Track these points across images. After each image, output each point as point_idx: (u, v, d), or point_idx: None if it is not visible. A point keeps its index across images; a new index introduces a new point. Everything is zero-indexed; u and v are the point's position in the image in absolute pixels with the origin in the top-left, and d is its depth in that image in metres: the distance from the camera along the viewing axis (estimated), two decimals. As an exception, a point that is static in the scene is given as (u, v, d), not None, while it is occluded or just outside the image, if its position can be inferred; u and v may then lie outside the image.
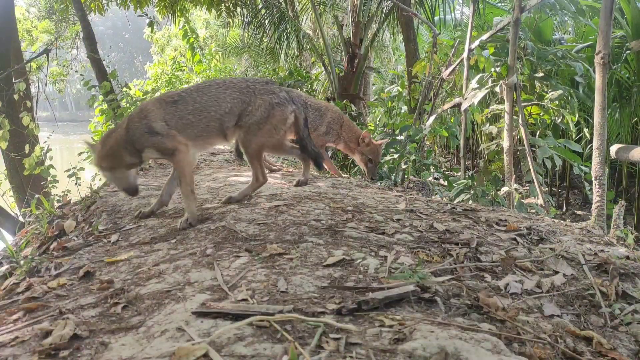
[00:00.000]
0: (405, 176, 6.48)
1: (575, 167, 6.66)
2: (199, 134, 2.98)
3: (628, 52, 8.48)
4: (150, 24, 10.95)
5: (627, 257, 2.32)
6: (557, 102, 5.87)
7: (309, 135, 3.43)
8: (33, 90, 8.83)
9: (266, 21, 10.25)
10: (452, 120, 7.57)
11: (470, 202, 4.99)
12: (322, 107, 4.82)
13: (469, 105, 6.19)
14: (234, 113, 3.02)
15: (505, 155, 5.57)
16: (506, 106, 5.50)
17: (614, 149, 4.57)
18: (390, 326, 1.38)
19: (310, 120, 4.38)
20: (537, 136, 6.41)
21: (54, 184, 4.66)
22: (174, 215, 3.03)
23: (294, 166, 6.30)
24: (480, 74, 6.56)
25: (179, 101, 2.93)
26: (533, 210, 4.90)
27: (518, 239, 2.50)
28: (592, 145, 4.50)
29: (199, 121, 2.94)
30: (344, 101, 7.60)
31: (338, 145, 5.03)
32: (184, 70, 16.61)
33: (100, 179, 4.46)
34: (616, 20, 8.75)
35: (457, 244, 2.33)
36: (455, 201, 5.11)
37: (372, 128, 9.74)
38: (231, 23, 11.32)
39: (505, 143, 5.52)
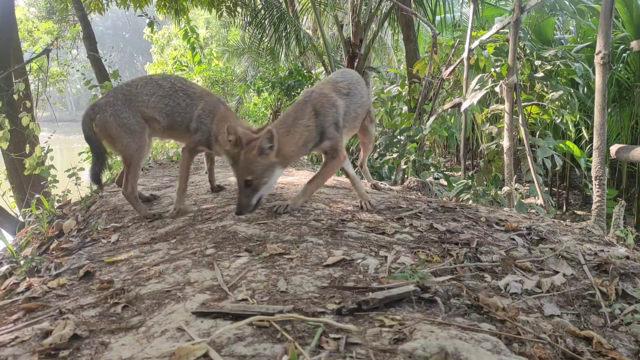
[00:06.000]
0: (406, 176, 6.48)
1: (582, 162, 6.67)
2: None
3: (627, 52, 8.48)
4: (150, 24, 10.95)
5: (627, 257, 2.32)
6: (557, 102, 5.87)
7: None
8: (33, 89, 8.82)
9: (266, 21, 10.25)
10: (452, 120, 7.57)
11: (471, 202, 4.99)
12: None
13: (469, 106, 6.18)
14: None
15: (505, 155, 5.57)
16: (506, 106, 5.50)
17: (614, 149, 4.57)
18: (390, 326, 1.38)
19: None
20: (537, 136, 6.42)
21: (54, 184, 4.66)
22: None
23: (294, 166, 6.31)
24: (481, 74, 6.56)
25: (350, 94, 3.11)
26: (533, 210, 4.90)
27: (518, 239, 2.50)
28: (592, 145, 4.50)
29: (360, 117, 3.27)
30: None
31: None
32: (184, 70, 16.59)
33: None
34: (618, 20, 8.77)
35: (457, 244, 2.33)
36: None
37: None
38: (232, 23, 11.31)
39: (505, 143, 5.52)
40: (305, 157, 8.51)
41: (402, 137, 6.89)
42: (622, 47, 8.60)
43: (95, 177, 3.27)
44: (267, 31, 10.35)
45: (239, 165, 2.60)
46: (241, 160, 2.58)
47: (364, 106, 3.28)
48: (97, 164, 3.24)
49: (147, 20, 10.67)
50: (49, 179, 4.62)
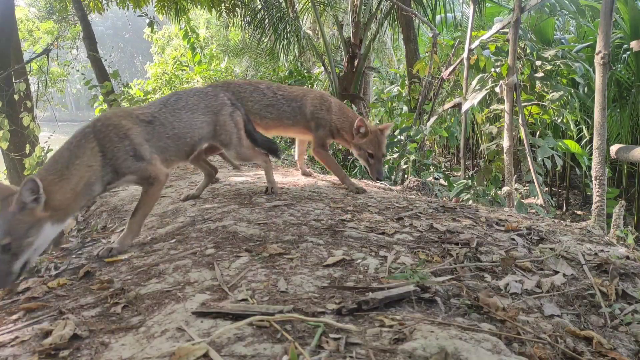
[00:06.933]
0: (406, 176, 6.48)
1: (584, 160, 6.68)
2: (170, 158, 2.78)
3: (628, 52, 8.48)
4: (150, 24, 10.97)
5: (627, 257, 2.32)
6: (557, 102, 5.87)
7: (254, 128, 3.39)
8: (33, 90, 8.83)
9: (266, 21, 10.25)
10: (452, 120, 7.57)
11: (471, 202, 4.99)
12: (298, 94, 3.95)
13: (470, 107, 6.19)
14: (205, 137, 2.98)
15: (505, 155, 5.57)
16: (506, 106, 5.50)
17: (614, 149, 4.57)
18: (390, 326, 1.38)
19: (288, 115, 3.86)
20: (537, 136, 6.42)
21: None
22: (174, 216, 3.04)
23: (294, 166, 6.29)
24: (481, 74, 6.56)
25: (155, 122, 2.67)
26: (533, 210, 4.90)
27: (518, 239, 2.50)
28: (592, 145, 4.50)
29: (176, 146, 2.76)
30: (344, 101, 7.61)
31: (335, 138, 3.96)
32: (184, 70, 16.61)
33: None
34: (620, 18, 8.77)
35: (457, 244, 2.33)
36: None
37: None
38: (231, 23, 11.31)
39: (505, 143, 5.52)
40: (306, 157, 8.49)
41: (402, 137, 6.89)
42: (623, 47, 8.60)
43: None
44: (266, 31, 10.35)
45: None
46: None
47: (183, 138, 2.79)
48: None
49: (147, 20, 10.68)
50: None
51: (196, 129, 2.87)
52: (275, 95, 3.86)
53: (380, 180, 3.75)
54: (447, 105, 7.34)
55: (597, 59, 4.26)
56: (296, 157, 4.46)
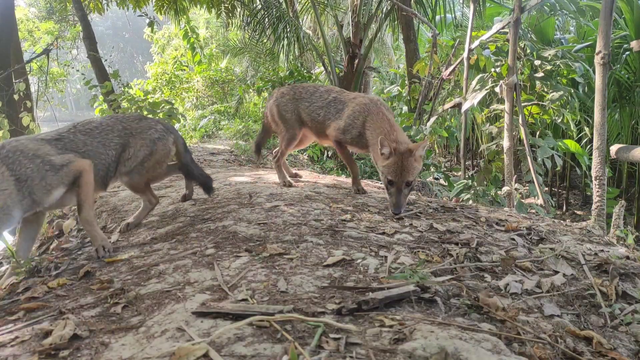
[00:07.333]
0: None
1: (585, 160, 6.68)
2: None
3: (628, 52, 8.48)
4: (150, 24, 10.96)
5: (627, 257, 2.32)
6: (557, 102, 5.87)
7: (192, 159, 3.23)
8: (33, 90, 8.84)
9: (265, 20, 10.25)
10: (452, 120, 7.57)
11: (471, 202, 4.99)
12: (348, 97, 3.76)
13: (470, 106, 6.19)
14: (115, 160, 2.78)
15: (505, 155, 5.57)
16: (506, 106, 5.50)
17: (614, 149, 4.57)
18: (390, 326, 1.38)
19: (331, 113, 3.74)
20: (537, 136, 6.42)
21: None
22: (174, 216, 3.04)
23: (296, 167, 6.31)
24: (481, 74, 6.56)
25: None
26: (533, 210, 4.90)
27: (518, 239, 2.50)
28: (592, 145, 4.50)
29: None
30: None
31: (363, 149, 3.59)
32: (184, 69, 16.62)
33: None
34: (621, 17, 8.76)
35: (457, 244, 2.33)
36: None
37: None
38: (231, 24, 11.32)
39: (505, 143, 5.52)
40: (305, 156, 8.50)
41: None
42: (623, 47, 8.60)
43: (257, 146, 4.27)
44: (266, 31, 10.36)
45: None
46: None
47: (96, 158, 2.64)
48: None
49: (147, 20, 10.68)
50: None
51: (109, 149, 2.72)
52: (329, 96, 3.81)
53: (396, 215, 2.90)
54: (447, 105, 7.33)
55: (597, 59, 4.26)
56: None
